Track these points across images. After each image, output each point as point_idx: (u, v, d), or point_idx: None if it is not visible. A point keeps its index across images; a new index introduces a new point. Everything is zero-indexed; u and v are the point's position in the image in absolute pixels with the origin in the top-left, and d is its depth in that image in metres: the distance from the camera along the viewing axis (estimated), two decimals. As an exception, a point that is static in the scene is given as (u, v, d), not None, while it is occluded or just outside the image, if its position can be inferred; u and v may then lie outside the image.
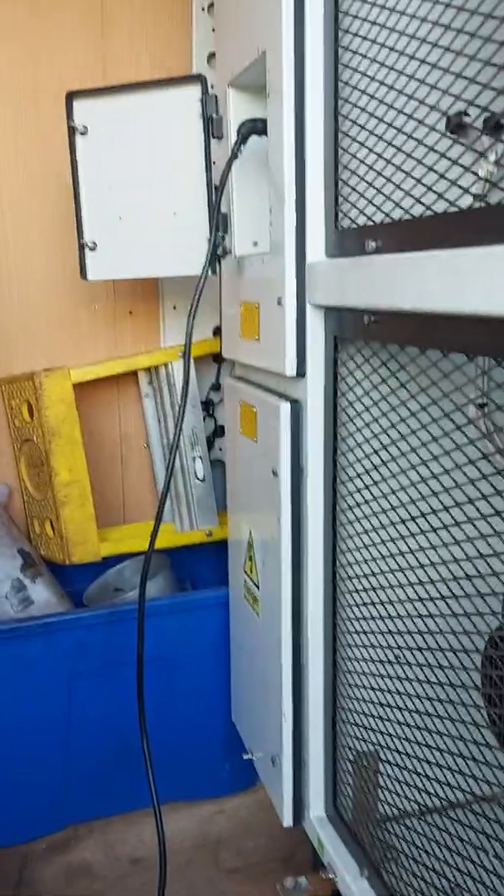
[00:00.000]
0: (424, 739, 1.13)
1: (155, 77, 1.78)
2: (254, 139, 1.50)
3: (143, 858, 1.89)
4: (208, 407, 2.32)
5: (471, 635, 1.00)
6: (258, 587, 1.62)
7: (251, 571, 1.67)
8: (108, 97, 1.77)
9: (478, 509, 0.94)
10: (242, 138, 1.49)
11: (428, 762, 1.12)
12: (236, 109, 1.59)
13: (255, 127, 1.48)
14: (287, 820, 1.53)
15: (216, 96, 1.64)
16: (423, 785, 1.15)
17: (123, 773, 1.94)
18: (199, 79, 1.65)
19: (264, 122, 1.42)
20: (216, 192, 1.55)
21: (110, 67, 2.14)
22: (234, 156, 1.50)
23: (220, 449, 2.33)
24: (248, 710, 1.82)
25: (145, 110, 1.73)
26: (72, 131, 1.79)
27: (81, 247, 1.85)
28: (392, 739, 1.22)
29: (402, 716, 1.19)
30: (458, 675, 1.04)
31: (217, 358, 2.28)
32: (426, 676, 1.11)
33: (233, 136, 1.52)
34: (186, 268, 1.74)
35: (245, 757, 1.74)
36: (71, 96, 1.77)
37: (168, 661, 1.95)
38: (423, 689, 1.13)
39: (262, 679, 1.64)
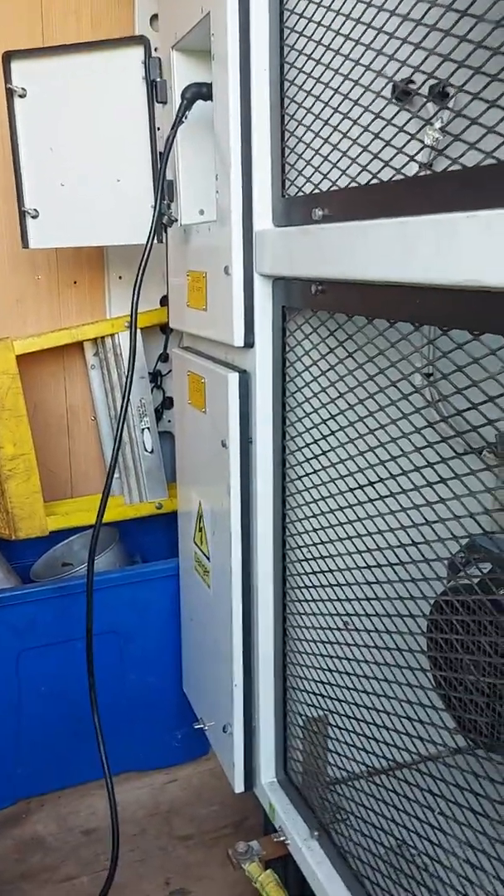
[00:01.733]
0: (372, 703, 1.15)
1: (96, 38, 1.73)
2: (200, 104, 1.47)
3: (97, 829, 1.90)
4: (156, 378, 2.29)
5: (417, 600, 1.02)
6: (208, 558, 1.62)
7: (201, 543, 1.67)
8: (47, 58, 1.71)
9: (424, 477, 0.95)
10: (187, 103, 1.46)
11: (375, 725, 1.15)
12: (181, 73, 1.56)
13: (200, 91, 1.45)
14: (239, 786, 1.55)
15: (160, 59, 1.60)
16: (371, 747, 1.17)
17: (75, 746, 1.94)
18: (142, 40, 1.61)
19: (209, 86, 1.40)
20: (161, 158, 1.52)
21: (49, 27, 2.07)
22: (178, 121, 1.47)
23: (169, 420, 2.32)
24: (199, 680, 1.84)
25: (87, 73, 1.68)
26: (9, 93, 1.73)
27: (22, 214, 1.80)
28: (341, 704, 1.25)
29: (351, 681, 1.21)
30: (404, 640, 1.06)
31: (164, 328, 2.26)
32: (374, 642, 1.13)
33: (177, 101, 1.48)
34: (131, 236, 1.70)
35: (196, 726, 1.76)
36: (8, 56, 1.71)
37: (119, 633, 1.95)
38: (371, 655, 1.15)
39: (213, 649, 1.65)
